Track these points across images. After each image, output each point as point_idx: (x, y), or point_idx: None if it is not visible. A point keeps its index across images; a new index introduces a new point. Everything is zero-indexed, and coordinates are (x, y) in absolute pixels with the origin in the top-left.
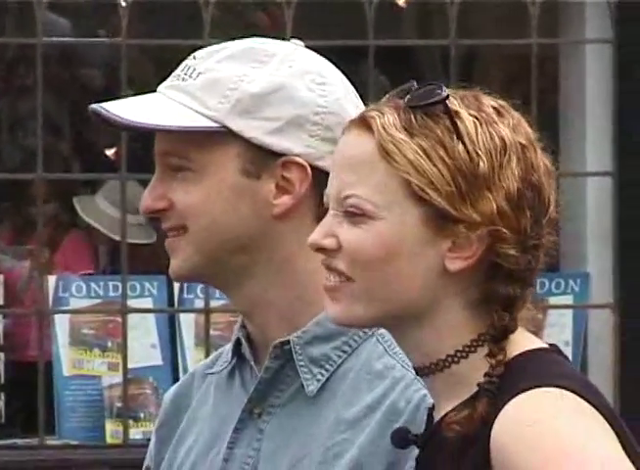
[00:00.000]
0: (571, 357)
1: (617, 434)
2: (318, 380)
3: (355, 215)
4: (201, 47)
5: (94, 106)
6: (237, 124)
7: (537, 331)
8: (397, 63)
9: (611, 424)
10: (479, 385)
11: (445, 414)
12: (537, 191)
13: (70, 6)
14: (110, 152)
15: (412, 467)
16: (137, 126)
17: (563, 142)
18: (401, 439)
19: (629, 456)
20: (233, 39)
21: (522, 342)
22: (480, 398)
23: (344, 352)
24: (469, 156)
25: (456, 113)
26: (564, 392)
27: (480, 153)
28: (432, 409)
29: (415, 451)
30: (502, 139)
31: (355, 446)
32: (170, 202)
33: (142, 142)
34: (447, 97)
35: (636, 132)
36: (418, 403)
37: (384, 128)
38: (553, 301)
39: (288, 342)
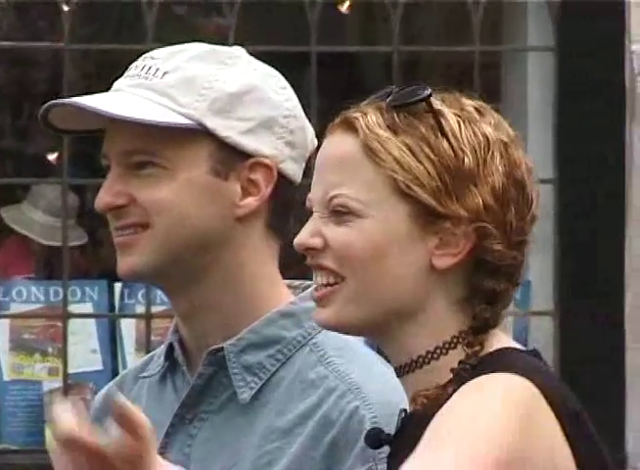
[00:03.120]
0: None
1: (574, 435)
2: (251, 388)
3: (342, 214)
4: (144, 52)
5: (64, 100)
6: (213, 123)
7: None
8: (340, 69)
9: (567, 423)
10: (452, 370)
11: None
12: (521, 187)
13: (14, 8)
14: (52, 156)
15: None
16: (123, 119)
17: None
18: (375, 439)
19: (585, 456)
20: (175, 44)
21: (498, 341)
22: (452, 382)
23: (278, 360)
24: (454, 152)
25: (439, 111)
26: (512, 375)
27: (464, 149)
28: (405, 412)
29: (351, 469)
30: (485, 136)
31: (287, 456)
32: (131, 198)
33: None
34: (430, 95)
35: (577, 141)
36: (350, 415)
37: (367, 127)
38: None
39: (222, 349)
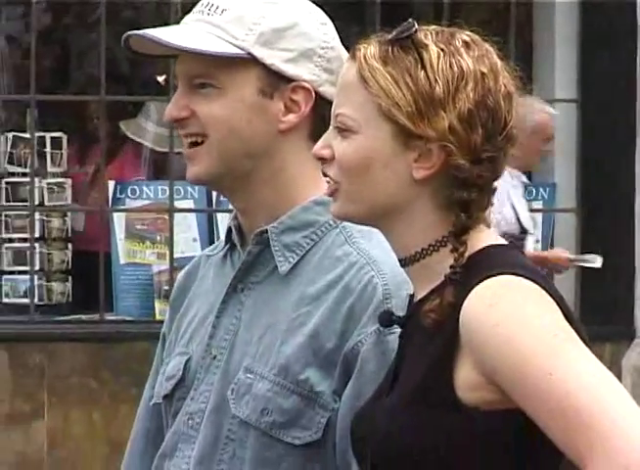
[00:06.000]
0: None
1: (564, 315)
2: (289, 262)
3: (343, 130)
4: None
5: (139, 32)
6: (260, 52)
7: None
8: (399, 14)
9: (559, 306)
10: (445, 276)
11: (421, 299)
12: (492, 112)
13: None
14: (161, 78)
15: (394, 341)
16: (181, 49)
17: (535, 73)
18: (386, 319)
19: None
20: None
21: (484, 239)
22: (446, 286)
23: (312, 239)
24: (429, 82)
25: (425, 45)
26: (520, 278)
27: (438, 79)
28: (412, 296)
29: (364, 327)
30: (461, 68)
31: (315, 317)
32: (192, 111)
33: None
34: (415, 32)
35: (598, 64)
36: (366, 284)
37: (364, 58)
38: None
39: (266, 231)
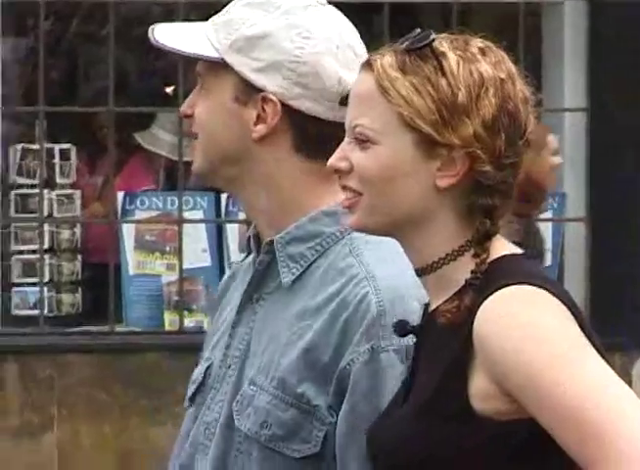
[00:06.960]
0: (550, 262)
1: (578, 324)
2: (293, 274)
3: (362, 142)
4: None
5: (151, 27)
6: (231, 58)
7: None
8: (408, 18)
9: (574, 315)
10: (466, 281)
11: (436, 307)
12: (513, 117)
13: None
14: (169, 89)
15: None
16: (160, 46)
17: (544, 82)
18: (402, 328)
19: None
20: None
21: (500, 248)
22: (466, 291)
23: (317, 251)
24: (451, 89)
25: (443, 53)
26: (535, 288)
27: (460, 86)
28: (427, 305)
29: (356, 345)
30: (481, 74)
31: (312, 331)
32: (193, 110)
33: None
34: (433, 41)
35: (606, 74)
36: (361, 298)
37: (382, 68)
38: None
39: (273, 241)
